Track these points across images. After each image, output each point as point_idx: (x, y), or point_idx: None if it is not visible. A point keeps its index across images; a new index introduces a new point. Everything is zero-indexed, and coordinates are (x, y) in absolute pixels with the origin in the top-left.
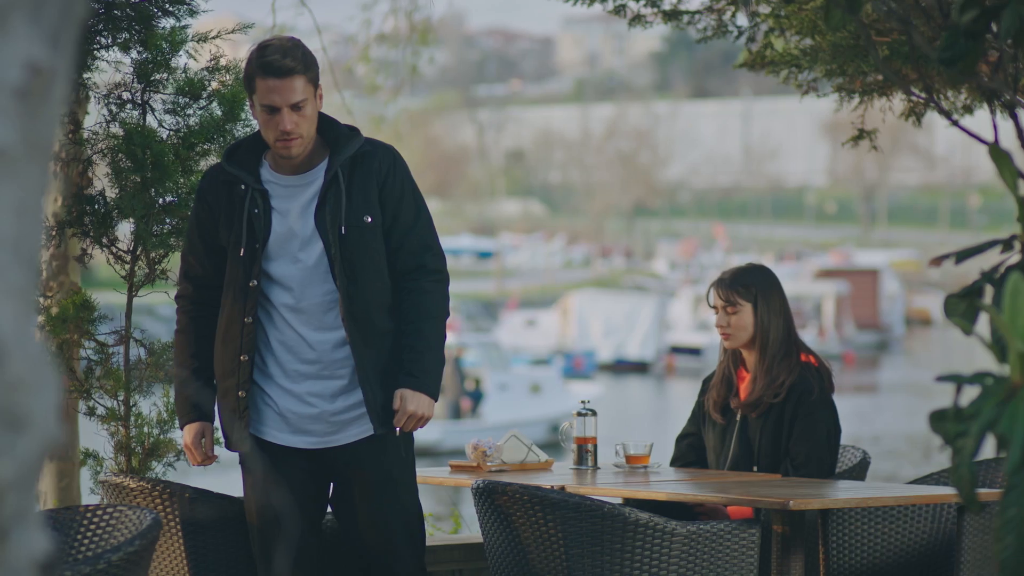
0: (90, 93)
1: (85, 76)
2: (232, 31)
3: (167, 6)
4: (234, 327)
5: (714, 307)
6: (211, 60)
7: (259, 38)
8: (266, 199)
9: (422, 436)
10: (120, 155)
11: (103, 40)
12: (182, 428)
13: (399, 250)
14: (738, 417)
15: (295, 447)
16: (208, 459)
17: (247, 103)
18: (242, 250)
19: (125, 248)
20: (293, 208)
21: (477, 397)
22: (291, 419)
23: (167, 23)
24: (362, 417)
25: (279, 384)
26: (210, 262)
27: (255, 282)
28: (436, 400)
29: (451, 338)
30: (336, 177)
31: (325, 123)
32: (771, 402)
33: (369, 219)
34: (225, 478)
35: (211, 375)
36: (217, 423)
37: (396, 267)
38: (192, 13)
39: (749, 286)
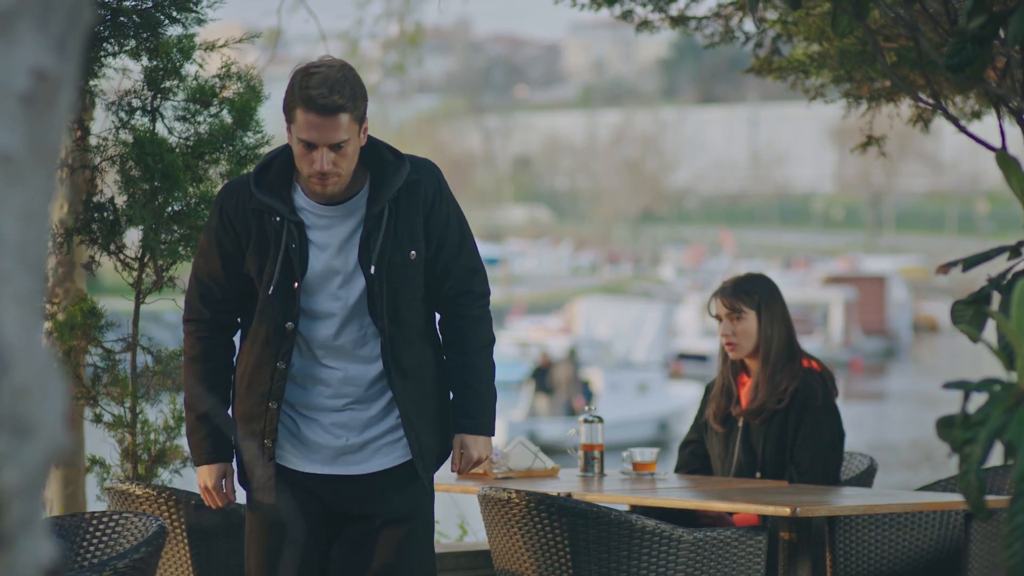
0: (96, 100)
1: (92, 83)
2: (239, 40)
3: (174, 14)
4: (263, 371)
5: (717, 316)
6: (222, 67)
7: (265, 45)
8: (302, 231)
9: (543, 433)
10: (130, 163)
11: (109, 47)
12: (198, 467)
13: (446, 277)
14: (740, 424)
15: (311, 472)
16: (231, 500)
17: (258, 112)
18: (272, 289)
19: (133, 255)
20: (332, 242)
21: (587, 396)
22: (311, 446)
23: (174, 31)
24: (387, 447)
25: (301, 413)
26: (231, 287)
27: (292, 324)
28: (493, 437)
29: (566, 340)
30: (382, 212)
31: (367, 146)
32: (774, 408)
33: (414, 254)
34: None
35: (228, 407)
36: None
37: (441, 294)
38: (199, 21)
39: (752, 293)
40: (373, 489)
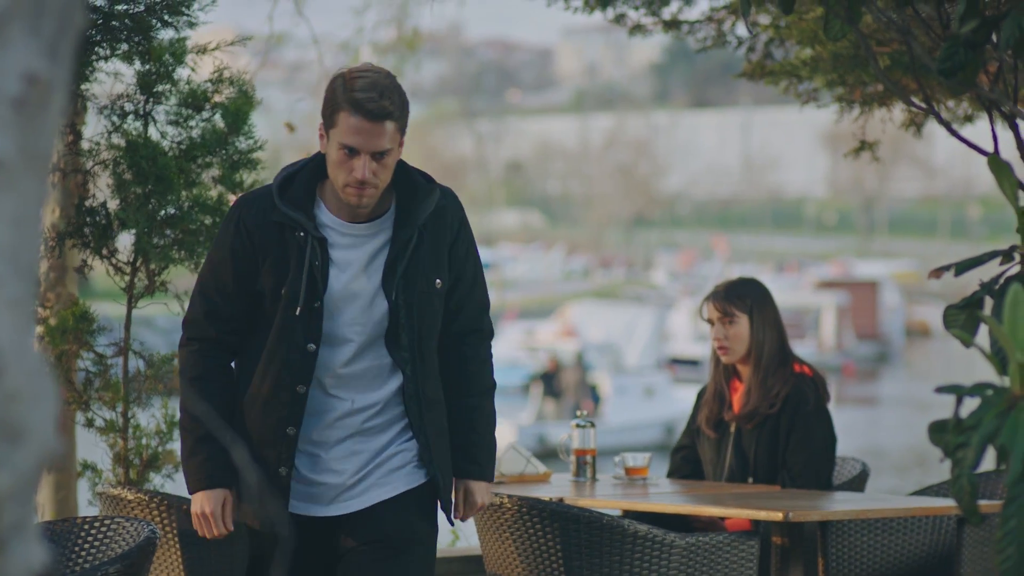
0: (88, 104)
1: (83, 87)
2: (231, 43)
3: (166, 18)
4: (282, 395)
5: (709, 320)
6: (214, 72)
7: (257, 48)
8: (324, 248)
9: (551, 437)
10: (122, 166)
11: (101, 51)
12: (195, 492)
13: (459, 312)
14: (732, 429)
15: (309, 516)
16: (228, 530)
17: (251, 116)
18: (299, 309)
19: (125, 259)
20: (354, 263)
21: (595, 400)
22: (312, 485)
23: (166, 34)
24: (387, 476)
25: (305, 452)
26: (240, 304)
27: (314, 346)
28: (492, 481)
29: (573, 344)
30: (412, 237)
31: (396, 166)
32: (766, 413)
33: (439, 282)
34: None
35: (232, 432)
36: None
37: (450, 328)
38: (191, 25)
39: (744, 297)
40: (373, 518)
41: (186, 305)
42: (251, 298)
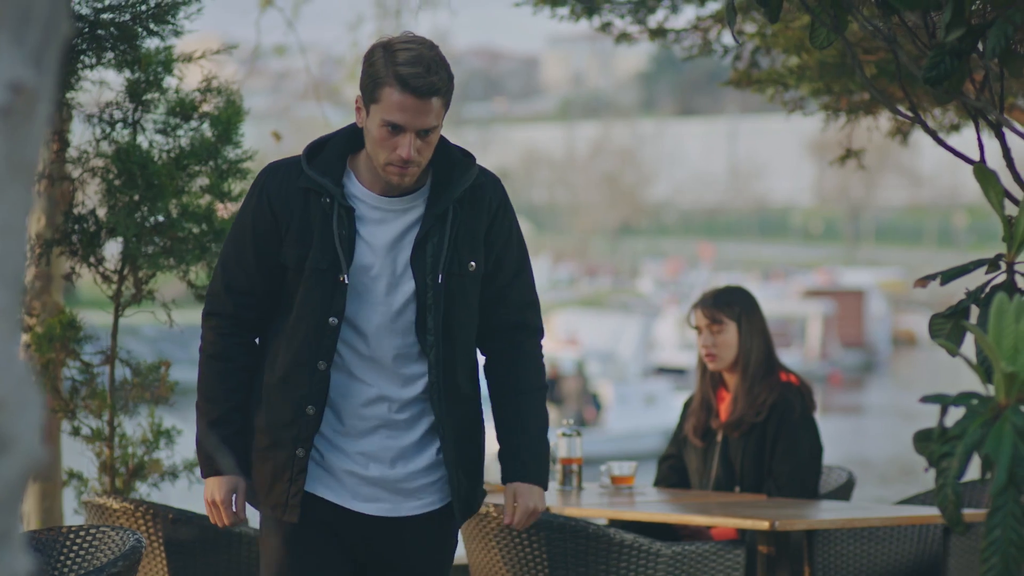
0: (74, 112)
1: (69, 95)
2: (217, 52)
3: (151, 26)
4: (301, 371)
5: (697, 328)
6: (203, 81)
7: (244, 58)
8: (352, 219)
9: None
10: (112, 173)
11: (87, 60)
12: (207, 477)
13: (499, 303)
14: (719, 438)
15: (339, 505)
16: (239, 519)
17: (241, 124)
18: (319, 276)
19: (112, 268)
20: (382, 238)
21: (596, 408)
22: (338, 475)
23: (151, 43)
24: (423, 488)
25: (326, 437)
26: (262, 278)
27: (336, 319)
28: (546, 489)
29: (574, 352)
30: (446, 215)
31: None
32: (753, 421)
33: (473, 265)
34: None
35: (247, 416)
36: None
37: (491, 321)
38: (176, 33)
39: (732, 305)
40: (404, 533)
41: (173, 314)
42: (272, 271)
